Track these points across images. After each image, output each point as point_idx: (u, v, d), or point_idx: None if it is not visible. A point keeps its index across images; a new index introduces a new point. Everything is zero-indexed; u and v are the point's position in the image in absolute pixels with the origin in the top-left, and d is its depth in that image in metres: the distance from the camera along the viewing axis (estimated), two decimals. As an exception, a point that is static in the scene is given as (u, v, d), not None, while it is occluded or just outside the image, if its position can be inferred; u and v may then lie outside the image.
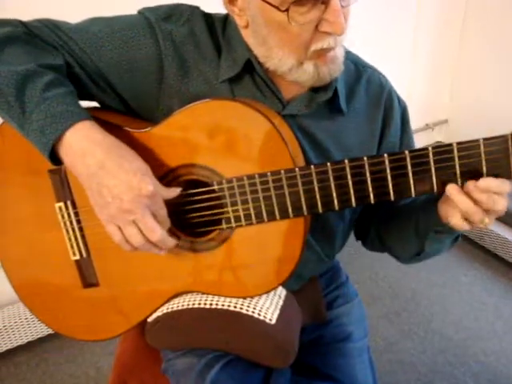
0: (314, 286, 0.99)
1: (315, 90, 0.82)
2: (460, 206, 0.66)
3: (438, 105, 2.62)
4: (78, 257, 0.82)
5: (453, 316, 1.89)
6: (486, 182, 0.64)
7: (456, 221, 0.69)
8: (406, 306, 1.95)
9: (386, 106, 0.89)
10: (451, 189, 0.66)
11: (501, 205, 0.64)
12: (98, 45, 0.77)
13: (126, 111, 0.83)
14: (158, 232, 0.69)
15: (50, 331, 1.74)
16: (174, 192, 0.71)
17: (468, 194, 0.66)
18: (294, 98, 0.82)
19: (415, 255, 0.87)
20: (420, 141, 2.61)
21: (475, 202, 0.66)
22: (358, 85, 0.88)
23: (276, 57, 0.74)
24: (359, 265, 2.13)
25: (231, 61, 0.79)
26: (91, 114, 0.71)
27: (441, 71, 2.51)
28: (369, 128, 0.88)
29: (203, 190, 0.75)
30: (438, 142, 2.72)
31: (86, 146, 0.67)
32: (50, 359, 1.74)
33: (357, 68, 0.89)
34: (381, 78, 0.91)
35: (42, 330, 1.76)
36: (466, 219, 0.68)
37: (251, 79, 0.80)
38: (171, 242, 0.72)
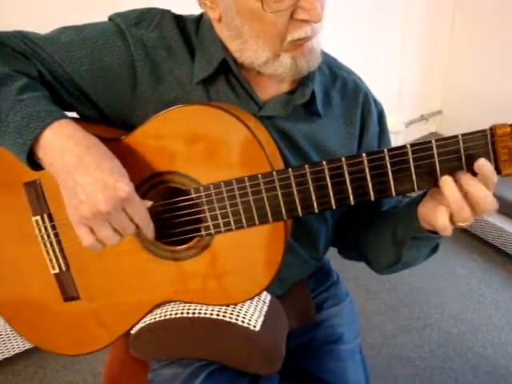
0: (303, 289, 0.97)
1: (292, 93, 0.81)
2: (450, 198, 0.62)
3: (432, 96, 2.61)
4: (57, 270, 0.81)
5: (451, 309, 1.88)
6: (483, 161, 0.61)
7: (443, 220, 0.65)
8: (404, 300, 1.94)
9: (363, 108, 0.88)
10: (446, 180, 0.63)
11: (490, 203, 0.62)
12: (68, 53, 0.75)
13: (103, 121, 0.82)
14: (130, 230, 0.67)
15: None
16: (146, 204, 0.69)
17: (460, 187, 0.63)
18: (271, 99, 0.81)
19: (392, 264, 0.84)
20: (415, 132, 2.60)
21: (465, 195, 0.63)
22: (333, 88, 0.87)
23: (251, 49, 0.72)
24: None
25: (205, 61, 0.77)
26: None
27: (433, 62, 2.50)
28: (347, 131, 0.87)
29: (180, 198, 0.73)
30: (432, 133, 2.70)
31: (65, 143, 0.65)
32: (48, 367, 1.72)
33: (331, 71, 0.88)
34: (356, 80, 0.90)
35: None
36: (451, 219, 0.66)
37: (226, 80, 0.79)
38: (150, 234, 0.70)
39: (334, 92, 0.86)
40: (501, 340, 1.75)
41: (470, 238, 2.24)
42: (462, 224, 0.65)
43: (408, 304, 1.92)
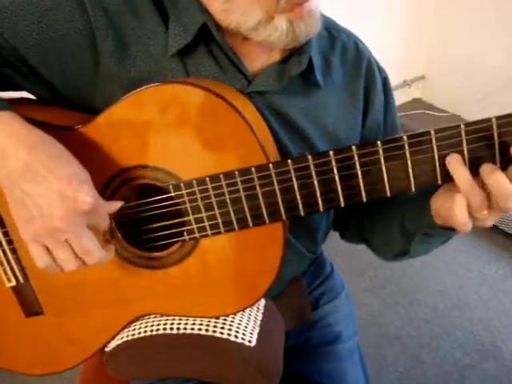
0: (298, 287, 0.87)
1: (285, 62, 0.68)
2: (461, 181, 0.53)
3: (415, 61, 2.52)
4: (13, 283, 0.68)
5: (438, 285, 1.83)
6: None
7: (458, 208, 0.54)
8: (390, 277, 1.88)
9: (366, 77, 0.76)
10: (453, 158, 0.53)
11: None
12: (11, 20, 0.61)
13: (60, 103, 0.68)
14: (96, 254, 0.55)
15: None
16: (115, 206, 0.57)
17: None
18: (261, 71, 0.68)
19: (399, 255, 0.75)
20: (399, 98, 2.53)
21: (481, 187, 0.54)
22: (332, 53, 0.74)
23: (238, 9, 0.59)
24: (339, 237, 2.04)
25: (181, 28, 0.64)
26: None
27: (416, 26, 2.42)
28: (350, 103, 0.75)
29: (158, 198, 0.61)
30: (415, 98, 2.63)
31: (6, 143, 0.52)
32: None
33: (330, 34, 0.75)
34: (358, 43, 0.77)
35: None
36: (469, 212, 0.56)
37: (207, 51, 0.65)
38: (108, 259, 0.59)
39: (333, 57, 0.74)
40: (488, 315, 1.71)
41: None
42: (479, 217, 0.55)
43: (394, 281, 1.86)
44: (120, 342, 0.70)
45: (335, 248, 1.69)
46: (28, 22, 0.61)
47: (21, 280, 0.68)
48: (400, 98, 2.56)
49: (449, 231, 0.63)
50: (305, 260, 0.84)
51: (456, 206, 0.54)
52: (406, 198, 0.71)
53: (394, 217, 0.72)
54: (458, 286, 1.82)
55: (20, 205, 0.52)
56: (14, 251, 0.66)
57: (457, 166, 0.53)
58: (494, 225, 2.02)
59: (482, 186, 0.53)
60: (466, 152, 0.54)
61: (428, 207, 0.62)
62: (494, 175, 0.51)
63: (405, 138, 0.54)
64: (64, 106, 0.68)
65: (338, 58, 0.74)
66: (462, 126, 0.53)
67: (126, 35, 0.64)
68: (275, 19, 0.59)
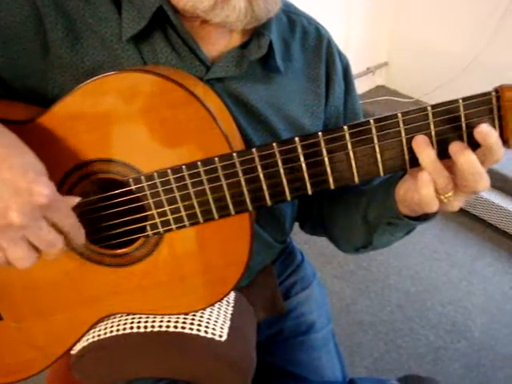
0: (268, 277, 0.85)
1: (245, 46, 0.66)
2: (426, 162, 0.52)
3: (377, 48, 2.52)
4: (-34, 288, 0.64)
5: (408, 269, 1.85)
6: (487, 128, 0.50)
7: (424, 184, 0.52)
8: (361, 263, 1.89)
9: (327, 63, 0.75)
10: (419, 138, 0.52)
11: (485, 183, 0.52)
12: None
13: (10, 96, 0.64)
14: (58, 246, 0.51)
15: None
16: (72, 201, 0.54)
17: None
18: (220, 56, 0.66)
19: (361, 247, 0.74)
20: (362, 86, 2.53)
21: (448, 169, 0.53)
22: (292, 38, 0.72)
23: None
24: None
25: (135, 12, 0.61)
26: None
27: (378, 12, 2.40)
28: (311, 89, 0.73)
29: (117, 192, 0.58)
30: (379, 85, 2.64)
31: None
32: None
33: (289, 18, 0.74)
34: (318, 27, 0.76)
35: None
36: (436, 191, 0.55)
37: (163, 36, 0.63)
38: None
39: (294, 43, 0.72)
40: (457, 296, 1.74)
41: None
42: (443, 200, 0.54)
43: (365, 266, 1.87)
44: (86, 343, 0.66)
45: (302, 236, 1.69)
46: None
47: (-25, 285, 0.64)
48: (364, 85, 2.56)
49: (412, 221, 0.62)
50: (273, 250, 0.82)
51: (422, 183, 0.53)
52: (370, 187, 0.70)
53: (358, 206, 0.71)
54: (427, 269, 1.84)
55: None
56: (-35, 255, 0.62)
57: (423, 146, 0.52)
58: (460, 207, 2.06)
59: (448, 168, 0.53)
60: (433, 134, 0.53)
61: (393, 194, 0.61)
62: (463, 154, 0.50)
63: (371, 121, 0.53)
64: (14, 99, 0.64)
65: (298, 42, 0.73)
66: (429, 108, 0.52)
67: (76, 22, 0.61)
68: None
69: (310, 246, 1.92)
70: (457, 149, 0.51)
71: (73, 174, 0.58)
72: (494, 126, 0.52)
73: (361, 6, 2.30)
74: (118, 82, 0.56)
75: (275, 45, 0.67)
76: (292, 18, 0.73)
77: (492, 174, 0.51)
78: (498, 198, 1.93)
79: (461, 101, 0.51)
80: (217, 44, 0.66)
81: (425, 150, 0.52)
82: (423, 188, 0.53)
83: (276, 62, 0.67)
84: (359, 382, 0.82)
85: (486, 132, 0.50)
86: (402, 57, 2.51)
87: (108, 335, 0.65)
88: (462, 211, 2.05)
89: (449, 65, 2.24)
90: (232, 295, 0.73)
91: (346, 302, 1.75)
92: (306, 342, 0.86)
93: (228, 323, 0.68)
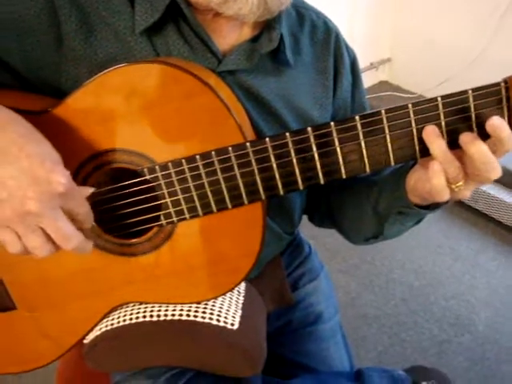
0: (276, 268, 0.86)
1: (256, 40, 0.67)
2: (437, 152, 0.52)
3: (381, 44, 2.53)
4: (-17, 278, 0.65)
5: (412, 263, 1.86)
6: (497, 122, 0.50)
7: (436, 174, 0.53)
8: (365, 257, 1.90)
9: (336, 56, 0.76)
10: (429, 129, 0.53)
11: (497, 171, 0.53)
12: None
13: (24, 88, 0.64)
14: (74, 240, 0.52)
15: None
16: (86, 191, 0.54)
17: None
18: (232, 49, 0.66)
19: (371, 238, 0.76)
20: (365, 81, 2.52)
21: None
22: (301, 32, 0.73)
23: None
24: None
25: (148, 5, 0.61)
26: None
27: (382, 8, 2.42)
28: (320, 82, 0.74)
29: (132, 181, 0.59)
30: (382, 81, 2.64)
31: None
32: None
33: (298, 12, 0.75)
34: (328, 22, 0.77)
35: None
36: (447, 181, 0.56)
37: (176, 28, 0.63)
38: (89, 246, 0.55)
39: (303, 37, 0.73)
40: (461, 290, 1.75)
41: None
42: (454, 189, 0.55)
43: (369, 261, 1.88)
44: (99, 332, 0.67)
45: (308, 231, 1.70)
46: None
47: (-9, 275, 0.65)
48: (367, 80, 2.58)
49: (423, 210, 0.63)
50: (282, 241, 0.83)
51: (433, 173, 0.54)
52: (380, 178, 0.71)
53: (369, 197, 0.72)
54: (431, 263, 1.85)
55: None
56: (-18, 245, 0.63)
57: (433, 137, 0.53)
58: (463, 202, 2.06)
59: (458, 158, 0.54)
60: (443, 124, 0.54)
61: (403, 184, 0.62)
62: (474, 144, 0.51)
63: (383, 111, 0.54)
64: (28, 91, 0.65)
65: (308, 36, 0.73)
66: (439, 99, 0.53)
67: (90, 14, 0.61)
68: None
69: (315, 242, 1.92)
70: (467, 139, 0.52)
71: (87, 164, 0.59)
72: (503, 117, 0.52)
73: (364, 2, 2.31)
74: (132, 73, 0.57)
75: (285, 38, 0.68)
76: (301, 12, 0.74)
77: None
78: (501, 193, 1.93)
79: (470, 91, 0.52)
80: (228, 37, 0.67)
81: (436, 141, 0.53)
82: (434, 178, 0.54)
83: (286, 56, 0.68)
84: (367, 372, 0.83)
85: (498, 125, 0.50)
86: (405, 53, 2.52)
87: (121, 324, 0.66)
88: (466, 207, 2.06)
89: (451, 61, 2.24)
90: (242, 285, 0.74)
91: (350, 296, 1.76)
92: (315, 332, 0.87)
93: (240, 312, 0.69)
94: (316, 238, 1.92)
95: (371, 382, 0.80)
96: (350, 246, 2.02)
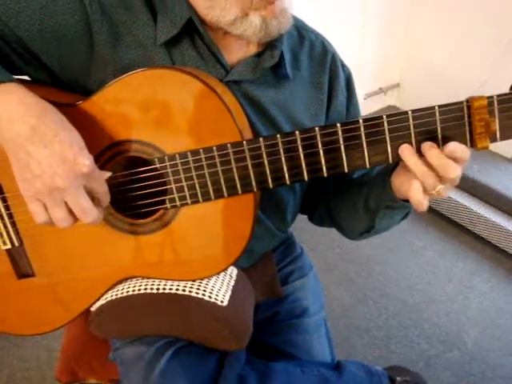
0: (268, 262, 0.95)
1: (260, 55, 0.77)
2: (413, 168, 0.63)
3: (390, 69, 2.61)
4: (8, 246, 0.75)
5: (407, 280, 1.92)
6: (454, 145, 0.61)
7: (415, 192, 0.64)
8: (361, 271, 1.96)
9: (331, 71, 0.86)
10: (405, 149, 0.63)
11: (456, 171, 0.62)
12: (14, 11, 0.68)
13: (56, 85, 0.75)
14: (91, 215, 0.62)
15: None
16: (105, 175, 0.65)
17: (424, 160, 0.63)
18: (238, 63, 0.77)
19: (365, 232, 0.84)
20: (373, 105, 2.62)
21: (430, 167, 0.63)
22: (301, 50, 0.84)
23: (219, 6, 0.68)
24: (314, 231, 2.12)
25: (169, 22, 0.72)
26: None
27: (392, 34, 2.50)
28: (315, 96, 0.84)
29: (144, 169, 0.69)
30: (390, 106, 2.72)
31: (14, 110, 0.59)
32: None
33: (299, 33, 0.85)
34: (324, 42, 0.87)
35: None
36: (424, 189, 0.65)
37: (191, 42, 0.74)
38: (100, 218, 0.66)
39: (302, 54, 0.83)
40: (453, 309, 1.81)
41: (426, 211, 2.28)
42: (434, 193, 0.64)
43: (365, 275, 1.95)
44: (104, 301, 0.77)
45: (307, 244, 1.77)
46: (31, 12, 0.68)
47: (15, 243, 0.75)
48: (375, 104, 2.64)
49: (407, 203, 0.72)
50: (274, 237, 0.92)
51: (412, 191, 0.64)
52: (369, 179, 0.80)
53: (360, 196, 0.80)
54: (426, 282, 1.91)
55: (23, 165, 0.59)
56: (10, 216, 0.73)
57: (408, 154, 0.63)
58: (461, 225, 2.13)
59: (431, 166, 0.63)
60: (413, 135, 0.63)
61: (389, 183, 0.71)
62: (431, 150, 0.60)
63: (360, 121, 0.63)
64: (59, 88, 0.75)
65: (306, 54, 0.84)
66: (410, 112, 0.62)
67: (118, 25, 0.72)
68: (250, 16, 0.68)
69: (314, 254, 2.00)
70: (426, 146, 0.62)
71: (106, 151, 0.69)
72: (464, 131, 0.61)
73: (374, 29, 2.40)
74: (151, 76, 0.67)
75: (286, 55, 0.78)
76: (301, 33, 0.85)
77: (497, 196, 0.61)
78: (498, 218, 2.00)
79: (437, 107, 0.61)
80: (236, 52, 0.77)
81: (411, 159, 0.63)
82: (413, 195, 0.64)
83: (285, 70, 0.79)
84: (346, 364, 0.90)
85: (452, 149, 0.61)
86: (413, 78, 2.59)
87: (124, 295, 0.76)
88: (464, 229, 2.13)
89: (458, 87, 2.32)
90: (235, 272, 0.83)
91: (344, 307, 1.82)
92: (300, 324, 0.95)
93: (229, 292, 0.78)
94: (315, 251, 2.01)
95: (348, 372, 0.88)
96: (348, 260, 2.09)
